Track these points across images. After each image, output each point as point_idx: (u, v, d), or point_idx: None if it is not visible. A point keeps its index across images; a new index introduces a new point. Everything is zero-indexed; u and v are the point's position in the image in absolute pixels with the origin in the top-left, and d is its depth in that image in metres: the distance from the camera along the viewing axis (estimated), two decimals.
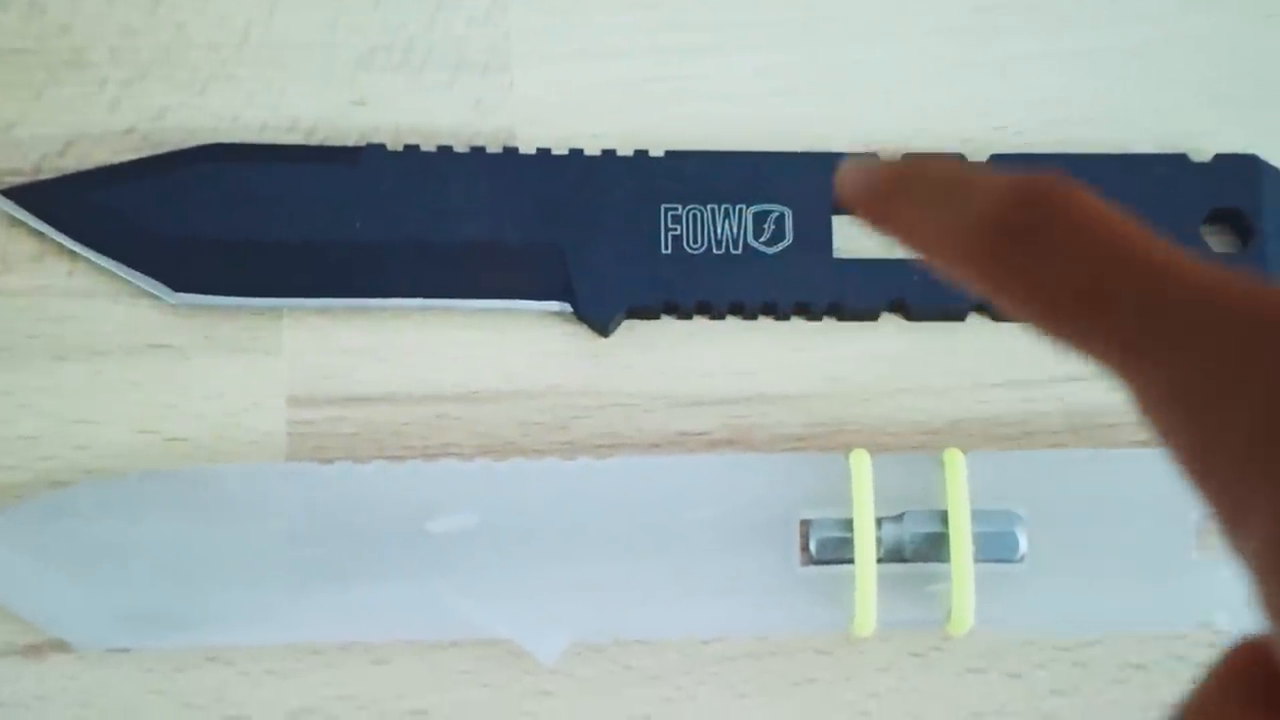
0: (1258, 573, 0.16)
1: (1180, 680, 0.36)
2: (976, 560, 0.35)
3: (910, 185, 0.22)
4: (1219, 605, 0.36)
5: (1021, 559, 0.36)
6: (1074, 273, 0.19)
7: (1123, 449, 0.38)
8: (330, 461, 0.37)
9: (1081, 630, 0.37)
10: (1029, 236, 0.20)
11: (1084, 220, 0.19)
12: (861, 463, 0.36)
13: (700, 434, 0.39)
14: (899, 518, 0.36)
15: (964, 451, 0.36)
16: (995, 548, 0.36)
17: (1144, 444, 0.38)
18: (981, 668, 0.37)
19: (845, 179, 0.23)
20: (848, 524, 0.36)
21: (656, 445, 0.39)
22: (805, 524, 0.36)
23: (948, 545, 0.35)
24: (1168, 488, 0.36)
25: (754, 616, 0.37)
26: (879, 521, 0.36)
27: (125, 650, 0.36)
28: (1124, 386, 0.19)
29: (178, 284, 0.39)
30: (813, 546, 0.36)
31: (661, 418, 0.39)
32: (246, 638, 0.36)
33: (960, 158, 0.39)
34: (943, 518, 0.36)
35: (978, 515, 0.36)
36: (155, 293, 0.39)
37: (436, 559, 0.36)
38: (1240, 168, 0.40)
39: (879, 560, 0.35)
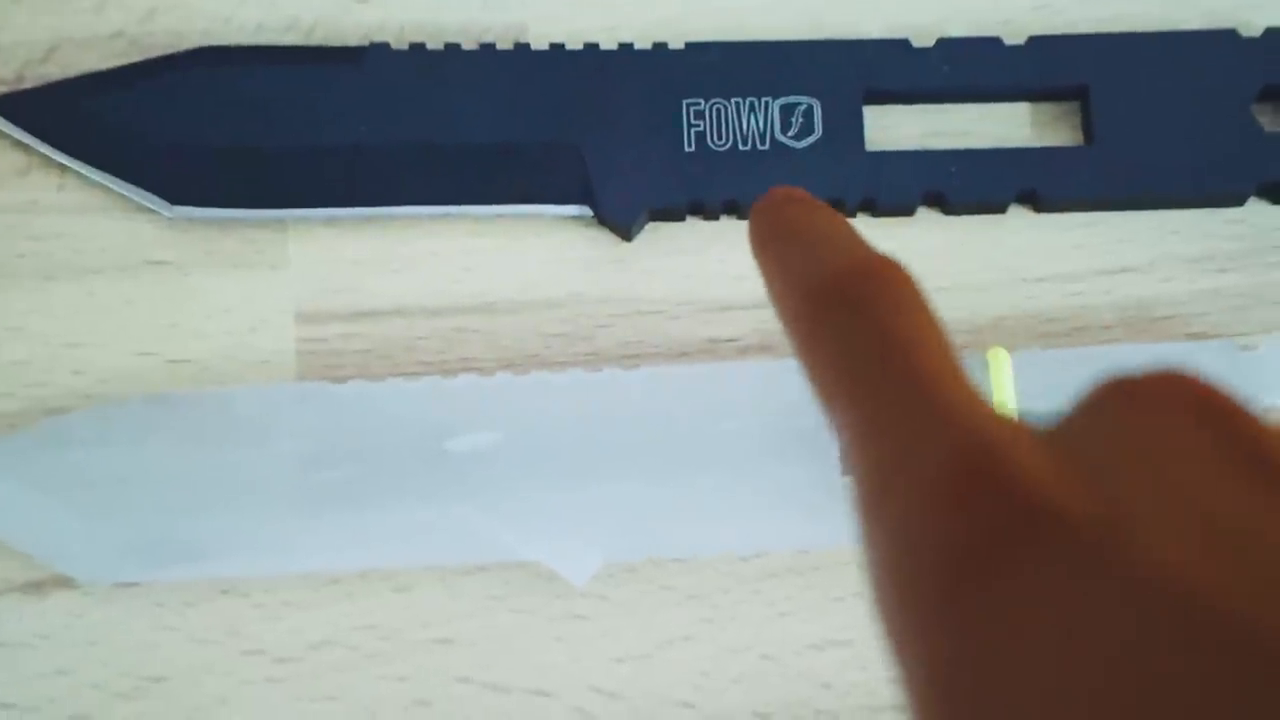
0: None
1: None
2: None
3: (790, 228, 0.23)
4: None
5: None
6: (868, 349, 0.20)
7: (1178, 342, 0.36)
8: (343, 380, 0.35)
9: None
10: (849, 303, 0.20)
11: (902, 308, 0.20)
12: None
13: (731, 340, 0.37)
14: None
15: (1009, 350, 0.34)
16: None
17: (1201, 336, 0.37)
18: None
19: (756, 207, 0.24)
20: None
21: (685, 353, 0.37)
22: None
23: None
24: (1227, 383, 0.35)
25: (795, 530, 0.35)
26: None
27: (133, 585, 0.35)
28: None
29: (174, 196, 0.36)
30: None
31: (690, 324, 0.37)
32: (260, 568, 0.35)
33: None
34: None
35: (1025, 417, 0.34)
36: (151, 206, 0.37)
37: (458, 480, 0.34)
38: None
39: None
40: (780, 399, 0.35)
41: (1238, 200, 0.38)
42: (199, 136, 0.37)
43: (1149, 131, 0.38)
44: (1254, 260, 0.37)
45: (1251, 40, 0.38)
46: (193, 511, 0.34)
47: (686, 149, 0.37)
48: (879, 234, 0.37)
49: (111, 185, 0.36)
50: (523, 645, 0.35)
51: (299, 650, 0.35)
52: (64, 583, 0.34)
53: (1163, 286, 0.37)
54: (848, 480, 0.19)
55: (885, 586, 0.17)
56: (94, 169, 0.36)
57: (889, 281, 0.21)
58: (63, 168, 0.37)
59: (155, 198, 0.36)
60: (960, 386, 0.19)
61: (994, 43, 0.38)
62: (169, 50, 0.37)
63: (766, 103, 0.37)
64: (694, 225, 0.38)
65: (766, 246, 0.23)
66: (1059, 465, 0.17)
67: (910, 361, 0.19)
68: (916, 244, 0.38)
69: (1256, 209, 0.38)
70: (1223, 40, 0.38)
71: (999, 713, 0.15)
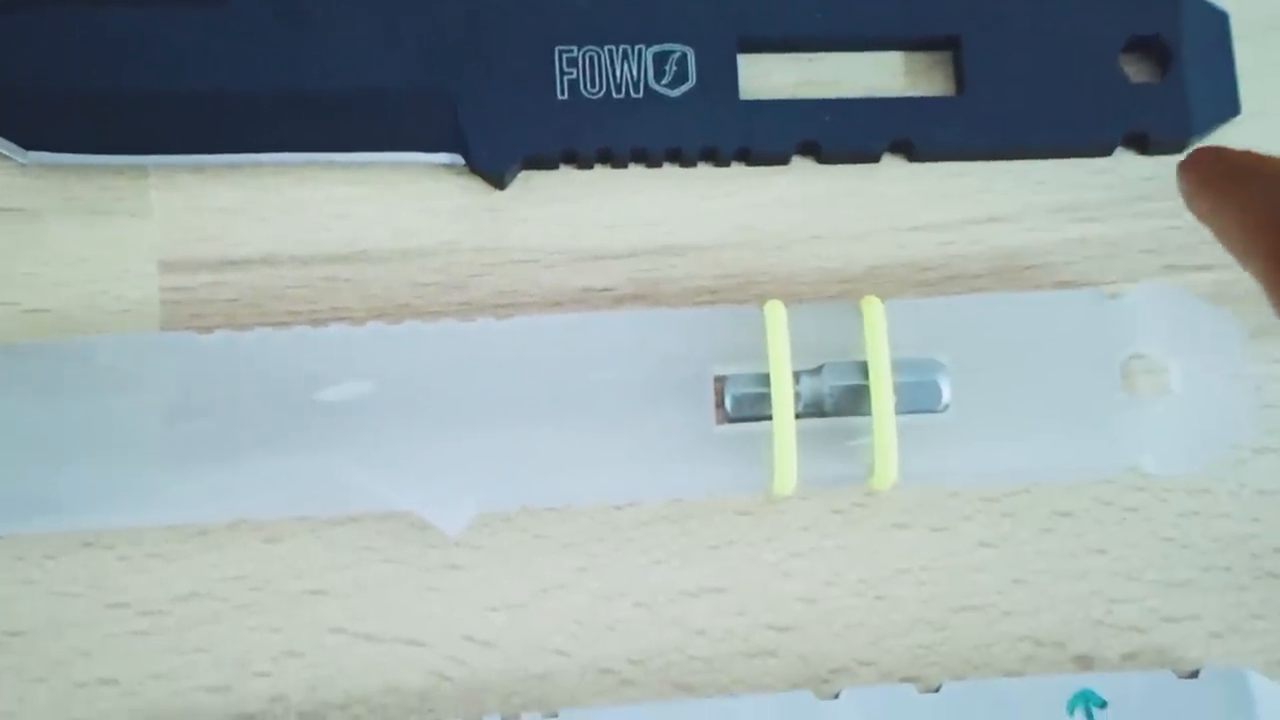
0: None
1: (1109, 525, 0.36)
2: (898, 411, 0.34)
3: (1250, 171, 0.23)
4: (1146, 449, 0.35)
5: (945, 408, 0.34)
6: None
7: (1046, 291, 0.37)
8: (209, 330, 0.34)
9: (1007, 480, 0.36)
10: None
11: None
12: (776, 314, 0.34)
13: (605, 290, 0.37)
14: (817, 370, 0.34)
15: (883, 299, 0.35)
16: (917, 398, 0.34)
17: (1068, 284, 0.37)
18: (906, 523, 0.36)
19: (1193, 156, 0.25)
20: (764, 379, 0.34)
21: (559, 303, 0.37)
22: (719, 380, 0.34)
23: (868, 397, 0.34)
24: (1093, 330, 0.35)
25: (669, 479, 0.35)
26: (796, 375, 0.34)
27: None
28: None
29: (29, 142, 0.35)
30: (728, 403, 0.34)
31: (563, 273, 0.37)
32: (125, 520, 0.34)
33: None
34: (863, 369, 0.34)
35: (899, 365, 0.34)
36: (4, 153, 0.35)
37: (329, 430, 0.34)
38: None
39: (798, 415, 0.34)
40: (654, 349, 0.35)
41: (1105, 151, 0.38)
42: (54, 79, 0.36)
43: (1018, 82, 0.38)
44: (1120, 210, 0.38)
45: None
46: (54, 463, 0.33)
47: (560, 97, 0.37)
48: (754, 182, 0.37)
49: None
50: (396, 596, 0.34)
51: (165, 603, 0.34)
52: None
53: (1031, 236, 0.38)
54: None
55: None
56: None
57: None
58: None
59: (8, 143, 0.35)
60: None
61: None
62: None
63: (640, 50, 0.37)
64: (568, 174, 0.37)
65: (1215, 189, 0.24)
66: None
67: None
68: (791, 193, 0.38)
69: (1123, 159, 0.38)
70: None
71: None
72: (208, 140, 0.36)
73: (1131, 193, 0.38)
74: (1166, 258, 0.37)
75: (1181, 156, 0.29)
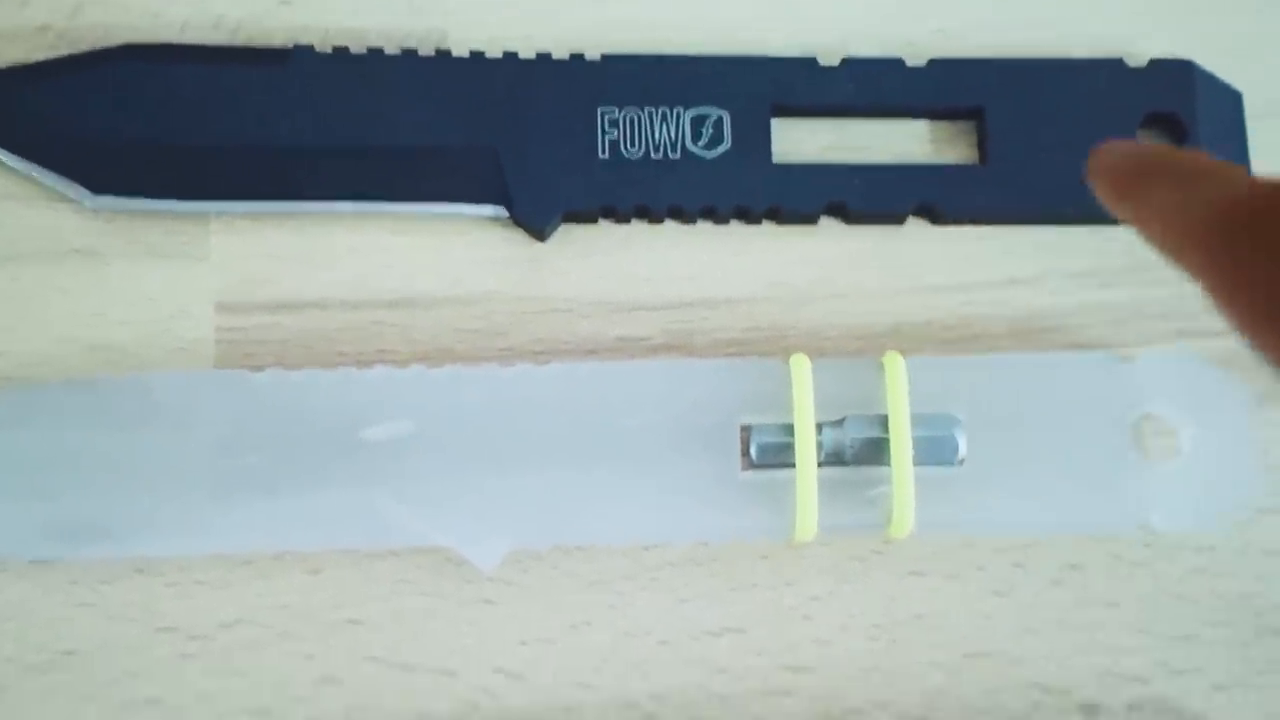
0: None
1: (1117, 579, 0.37)
2: (916, 464, 0.35)
3: (1164, 167, 0.23)
4: (1154, 507, 0.36)
5: (961, 462, 0.36)
6: None
7: (1062, 352, 0.38)
8: (260, 369, 0.36)
9: (1020, 533, 0.37)
10: (1262, 236, 0.19)
11: None
12: (801, 367, 0.36)
13: (639, 339, 0.38)
14: (839, 422, 0.36)
15: (904, 355, 0.36)
16: (935, 451, 0.36)
17: (1083, 347, 0.39)
18: (921, 570, 0.37)
19: (1095, 162, 0.24)
20: (788, 429, 0.35)
21: (594, 351, 0.38)
22: (746, 429, 0.36)
23: (888, 449, 0.35)
24: (1106, 391, 0.37)
25: (695, 522, 0.36)
26: (819, 426, 0.35)
27: (49, 563, 0.35)
28: None
29: (96, 186, 0.37)
30: (753, 451, 0.35)
31: (600, 323, 0.38)
32: (175, 549, 0.35)
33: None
34: (883, 422, 0.35)
35: (917, 419, 0.36)
36: (74, 196, 0.37)
37: (371, 467, 0.35)
38: (1175, 73, 0.40)
39: (820, 465, 0.35)
40: (685, 397, 0.36)
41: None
42: (123, 130, 0.38)
43: (1039, 153, 0.39)
44: (1134, 277, 0.39)
45: (1137, 70, 0.40)
46: (110, 493, 0.35)
47: (601, 155, 0.39)
48: (783, 241, 0.39)
49: (35, 175, 0.37)
50: (430, 627, 0.36)
51: (211, 628, 0.36)
52: None
53: (1049, 299, 0.39)
54: None
55: None
56: (17, 158, 0.37)
57: None
58: None
59: (78, 188, 0.37)
60: None
61: (896, 64, 0.40)
62: (95, 45, 0.38)
63: (678, 113, 0.39)
64: (606, 228, 0.39)
65: (1139, 180, 0.23)
66: None
67: None
68: (819, 251, 0.39)
69: None
70: (1110, 69, 0.40)
71: None
72: (266, 189, 0.38)
73: (1147, 259, 0.39)
74: (1179, 323, 0.39)
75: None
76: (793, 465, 0.35)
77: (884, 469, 0.35)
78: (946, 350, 0.38)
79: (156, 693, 0.35)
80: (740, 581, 0.37)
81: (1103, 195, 0.25)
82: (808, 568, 0.37)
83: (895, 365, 0.36)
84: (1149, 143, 0.25)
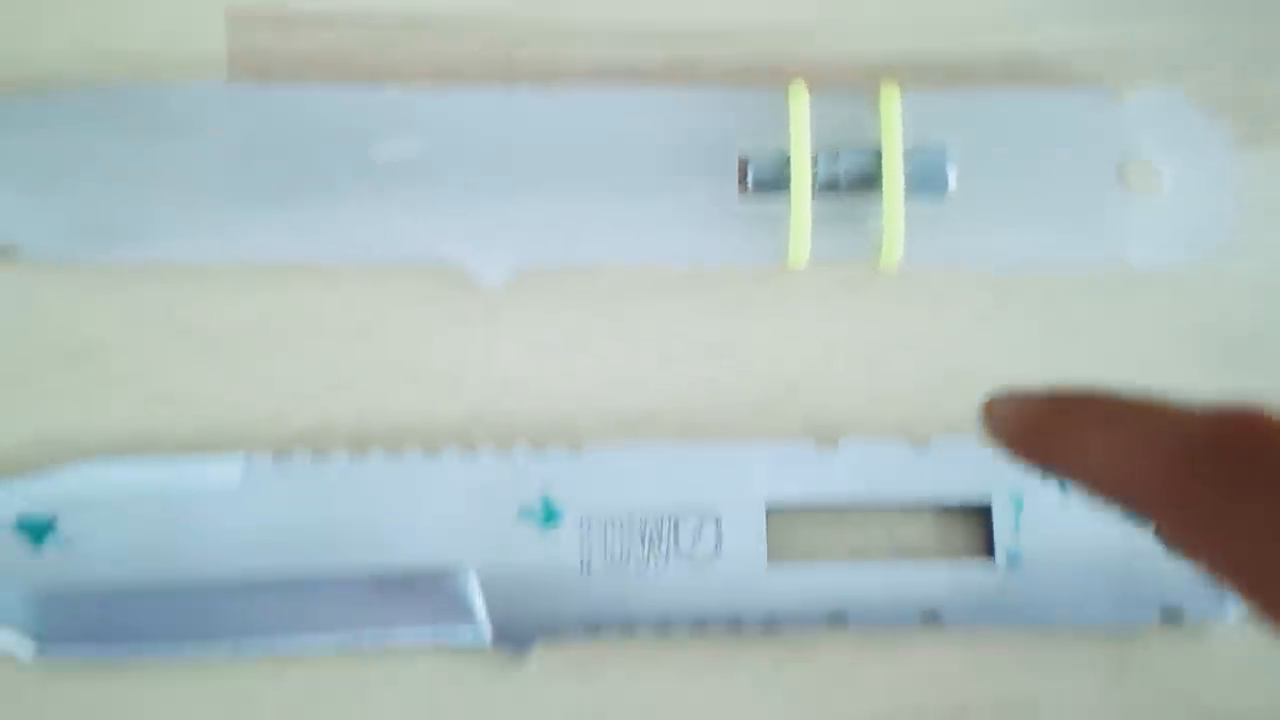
0: None
1: (1095, 310, 0.38)
2: (907, 194, 0.36)
3: (1078, 415, 0.21)
4: (1133, 241, 0.37)
5: (951, 193, 0.37)
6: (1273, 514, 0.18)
7: (1054, 89, 0.39)
8: (272, 84, 0.37)
9: (1004, 266, 0.39)
10: (1229, 469, 0.18)
11: None
12: (799, 98, 0.37)
13: (642, 67, 0.39)
14: (834, 152, 0.37)
15: (900, 88, 0.37)
16: (925, 182, 0.37)
17: (1075, 83, 0.39)
18: (908, 298, 0.38)
19: (993, 416, 0.22)
20: (785, 158, 0.36)
21: (598, 77, 0.39)
22: (743, 157, 0.37)
23: (880, 179, 0.36)
24: (1094, 129, 0.38)
25: (692, 247, 0.38)
26: (814, 155, 0.37)
27: (74, 263, 0.37)
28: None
29: None
30: (750, 179, 0.37)
31: (603, 50, 0.39)
32: (195, 253, 0.37)
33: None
34: (876, 153, 0.36)
35: (909, 151, 0.37)
36: None
37: (382, 183, 0.36)
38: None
39: (814, 193, 0.36)
40: (686, 125, 0.37)
41: None
42: None
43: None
44: (1129, 16, 0.40)
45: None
46: (131, 197, 0.36)
47: None
48: None
49: None
50: (438, 339, 0.38)
51: (228, 330, 0.37)
52: (7, 253, 0.37)
53: (1044, 36, 0.40)
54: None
55: None
56: None
57: (1266, 426, 0.19)
58: None
59: None
60: None
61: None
62: None
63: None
64: None
65: (1062, 435, 0.21)
66: None
67: None
68: None
69: None
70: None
71: None
72: None
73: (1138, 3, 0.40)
74: (1171, 61, 0.40)
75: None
76: (788, 192, 0.36)
77: (876, 199, 0.37)
78: (942, 86, 0.39)
79: (177, 389, 0.37)
80: (735, 304, 0.38)
81: (1011, 451, 0.22)
82: (799, 293, 0.38)
83: (890, 98, 0.37)
84: (1037, 390, 0.22)
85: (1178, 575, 0.36)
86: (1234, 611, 0.36)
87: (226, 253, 0.37)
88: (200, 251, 0.37)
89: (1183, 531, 0.19)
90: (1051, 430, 0.21)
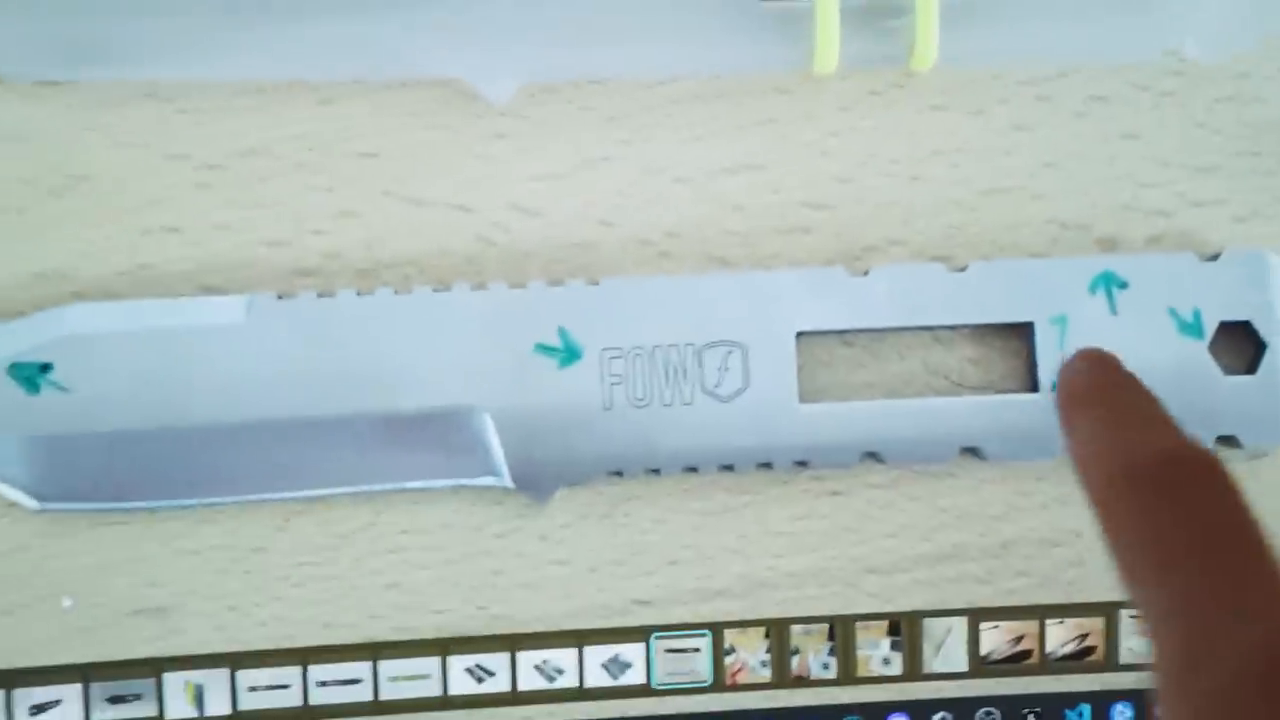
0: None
1: (1141, 110, 0.36)
2: None
3: (1091, 403, 0.24)
4: (1187, 31, 0.35)
5: None
6: (1184, 532, 0.21)
7: None
8: None
9: (1046, 61, 0.36)
10: (1152, 500, 0.21)
11: (1218, 498, 0.21)
12: None
13: None
14: None
15: None
16: None
17: None
18: (942, 105, 0.36)
19: (1061, 373, 0.25)
20: None
21: None
22: None
23: None
24: None
25: (713, 55, 0.35)
26: None
27: (56, 83, 0.35)
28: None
29: None
30: None
31: None
32: (185, 72, 0.35)
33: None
34: None
35: None
36: None
37: None
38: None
39: None
40: None
41: None
42: None
43: None
44: None
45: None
46: (117, 11, 0.33)
47: None
48: None
49: None
50: (444, 162, 0.35)
51: (225, 157, 0.35)
52: None
53: None
54: (1152, 650, 0.20)
55: None
56: None
57: (1207, 471, 0.22)
58: None
59: None
60: (1274, 574, 0.20)
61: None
62: None
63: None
64: None
65: (1076, 410, 0.24)
66: None
67: (1226, 547, 0.20)
68: None
69: None
70: None
71: None
72: None
73: None
74: None
75: None
76: None
77: None
78: None
79: (174, 221, 0.35)
80: (758, 117, 0.36)
81: (1057, 407, 0.26)
82: (827, 102, 0.36)
83: None
84: (1110, 366, 0.25)
85: (1234, 402, 0.35)
86: None
87: (218, 71, 0.35)
88: (187, 69, 0.34)
89: (1106, 537, 0.22)
90: (1074, 406, 0.24)
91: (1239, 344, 0.35)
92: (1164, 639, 0.20)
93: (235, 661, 0.35)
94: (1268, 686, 0.18)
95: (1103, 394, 0.25)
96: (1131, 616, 0.36)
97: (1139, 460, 0.22)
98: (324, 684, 0.35)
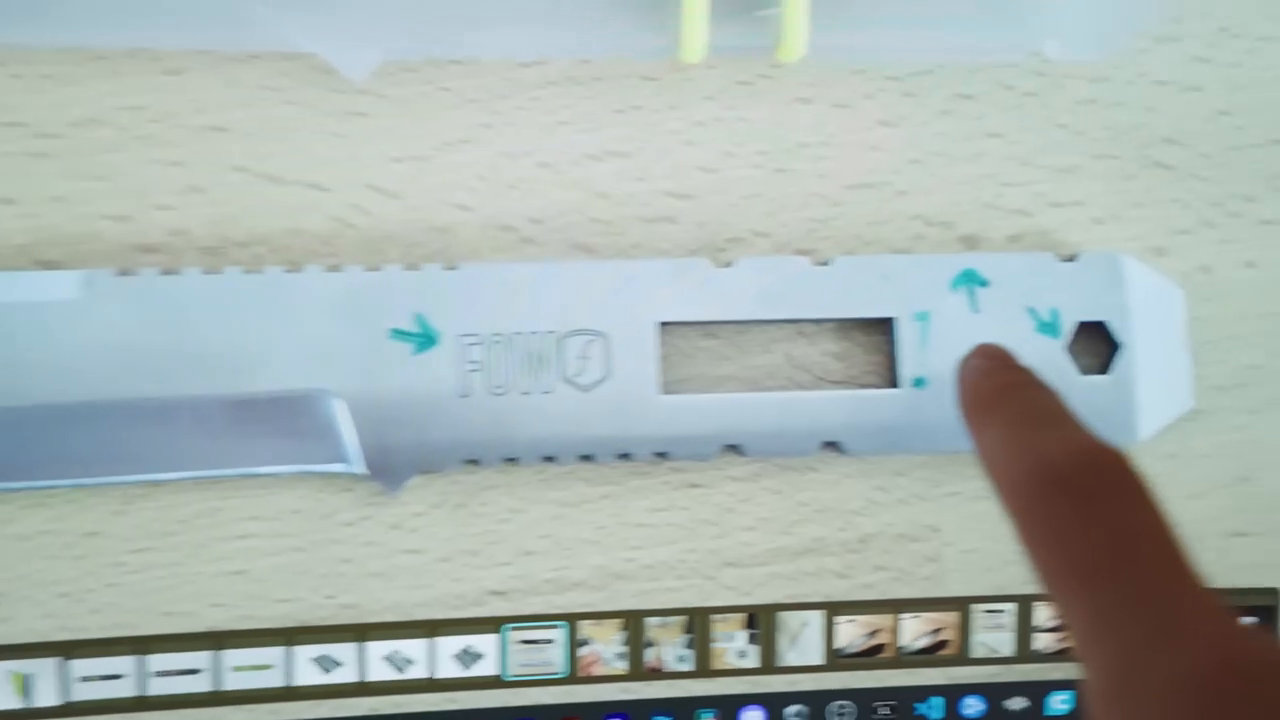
0: None
1: (1006, 109, 0.36)
2: None
3: (1000, 405, 0.24)
4: (1051, 33, 0.35)
5: None
6: (1101, 542, 0.20)
7: None
8: None
9: (913, 58, 0.36)
10: (1080, 495, 0.21)
11: (1132, 503, 0.21)
12: None
13: None
14: None
15: None
16: None
17: None
18: (809, 98, 0.36)
19: (960, 370, 0.25)
20: None
21: None
22: None
23: None
24: None
25: (579, 38, 0.34)
26: None
27: None
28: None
29: None
30: None
31: None
32: (16, 35, 0.33)
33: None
34: None
35: None
36: None
37: None
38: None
39: None
40: None
41: None
42: None
43: None
44: None
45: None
46: None
47: None
48: None
49: None
50: (299, 139, 0.34)
51: (62, 126, 0.33)
52: None
53: None
54: (1080, 667, 0.20)
55: None
56: None
57: (1118, 474, 0.21)
58: None
59: None
60: (1195, 586, 0.19)
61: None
62: None
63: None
64: None
65: (981, 411, 0.24)
66: None
67: (1144, 558, 0.20)
68: None
69: None
70: None
71: None
72: None
73: None
74: None
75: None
76: None
77: None
78: None
79: (7, 192, 0.33)
80: (623, 103, 0.35)
81: (961, 407, 0.25)
82: (693, 91, 0.36)
83: None
84: (1010, 364, 0.25)
85: (1089, 401, 0.35)
86: (1142, 435, 0.35)
87: (51, 34, 0.33)
88: (21, 32, 0.33)
89: (1022, 544, 0.21)
90: (978, 408, 0.24)
91: (1095, 344, 0.36)
92: (1091, 657, 0.19)
93: (66, 650, 0.34)
94: (1200, 712, 0.18)
95: (1006, 392, 0.24)
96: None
97: (1049, 463, 0.21)
98: (162, 674, 0.34)
